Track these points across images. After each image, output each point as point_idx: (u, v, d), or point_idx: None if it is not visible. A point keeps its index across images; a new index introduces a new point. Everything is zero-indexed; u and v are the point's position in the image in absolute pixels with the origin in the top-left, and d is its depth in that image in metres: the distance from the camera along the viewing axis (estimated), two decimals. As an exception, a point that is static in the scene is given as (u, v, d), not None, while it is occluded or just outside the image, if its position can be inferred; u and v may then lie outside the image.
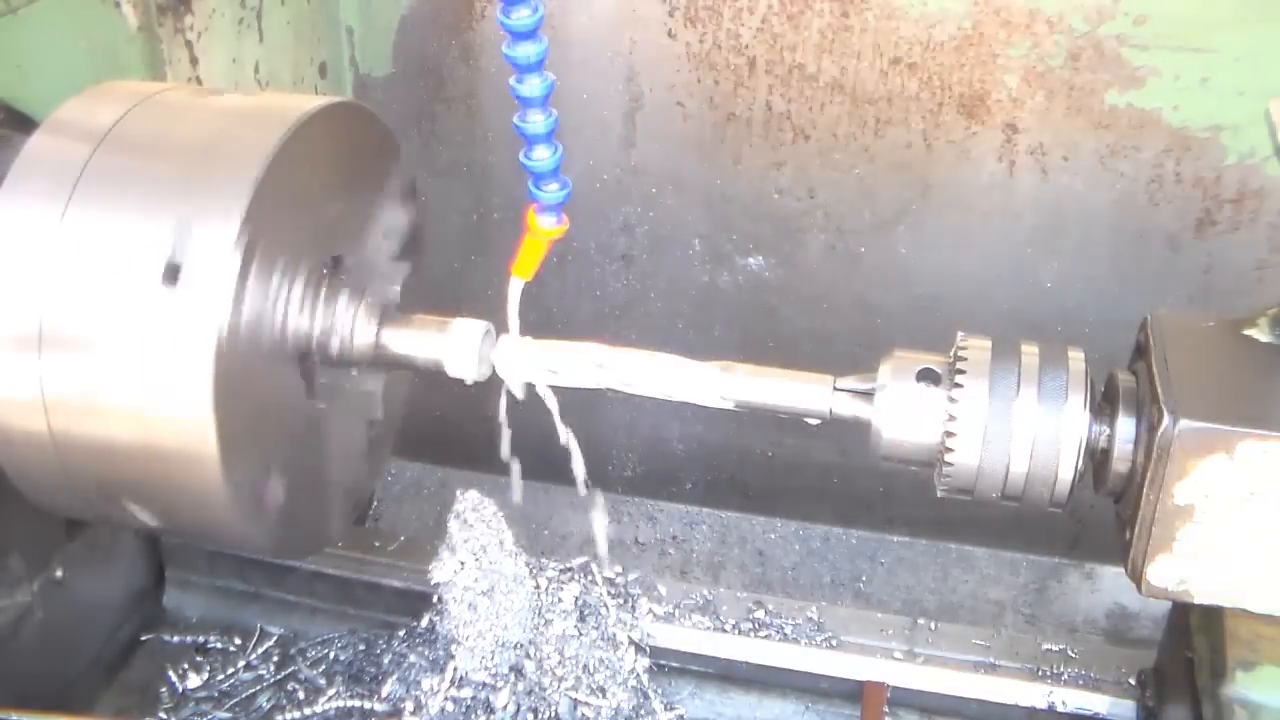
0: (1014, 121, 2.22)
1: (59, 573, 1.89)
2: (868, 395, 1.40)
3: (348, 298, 1.45)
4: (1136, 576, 1.30)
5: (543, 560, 2.03)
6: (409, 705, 1.85)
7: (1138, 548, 1.28)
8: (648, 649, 1.97)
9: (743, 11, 2.25)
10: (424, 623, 1.95)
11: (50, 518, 1.71)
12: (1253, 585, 1.28)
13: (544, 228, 1.58)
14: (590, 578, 2.03)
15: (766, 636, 2.00)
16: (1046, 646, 1.98)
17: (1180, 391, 1.26)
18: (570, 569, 2.04)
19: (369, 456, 1.69)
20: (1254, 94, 2.05)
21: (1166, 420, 1.22)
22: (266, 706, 1.96)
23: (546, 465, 1.65)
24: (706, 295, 2.55)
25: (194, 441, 1.24)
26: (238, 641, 2.07)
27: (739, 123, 2.35)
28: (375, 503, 2.85)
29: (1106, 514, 1.43)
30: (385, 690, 1.90)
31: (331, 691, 1.95)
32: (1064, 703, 1.91)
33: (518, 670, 1.87)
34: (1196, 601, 1.30)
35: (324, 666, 2.02)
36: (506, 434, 1.69)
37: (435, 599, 1.89)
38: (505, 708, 1.83)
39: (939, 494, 1.39)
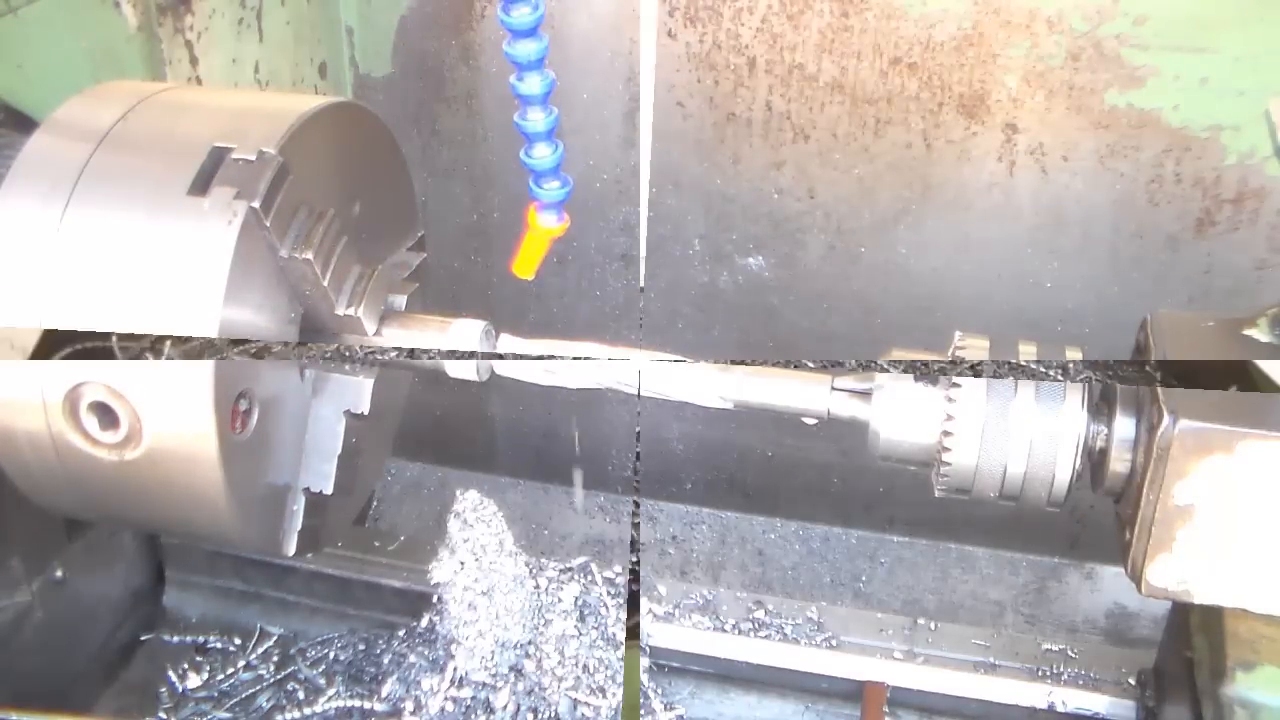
0: (1014, 121, 2.22)
1: (59, 573, 1.89)
2: (865, 395, 1.40)
3: (348, 297, 1.45)
4: (1136, 576, 1.30)
5: (543, 560, 2.03)
6: (409, 705, 1.86)
7: (1138, 548, 1.28)
8: (648, 649, 1.97)
9: (743, 11, 2.25)
10: (424, 623, 1.95)
11: (50, 518, 1.71)
12: (1253, 585, 1.28)
13: (545, 226, 1.58)
14: (590, 578, 2.03)
15: (766, 636, 2.00)
16: (1046, 646, 1.98)
17: (1180, 391, 1.26)
18: (570, 569, 2.04)
19: (367, 456, 1.68)
20: (1254, 94, 2.06)
21: (1166, 420, 1.22)
22: (266, 706, 1.96)
23: (545, 465, 1.65)
24: (706, 295, 2.55)
25: (195, 437, 1.24)
26: (238, 641, 2.07)
27: (739, 123, 2.35)
28: (375, 503, 2.85)
29: (1106, 514, 1.43)
30: (385, 690, 1.90)
31: (331, 691, 1.95)
32: (1064, 703, 1.91)
33: (518, 670, 1.87)
34: (1196, 601, 1.30)
35: (324, 666, 2.02)
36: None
37: (435, 599, 1.89)
38: (505, 708, 1.84)
39: (937, 493, 1.39)
